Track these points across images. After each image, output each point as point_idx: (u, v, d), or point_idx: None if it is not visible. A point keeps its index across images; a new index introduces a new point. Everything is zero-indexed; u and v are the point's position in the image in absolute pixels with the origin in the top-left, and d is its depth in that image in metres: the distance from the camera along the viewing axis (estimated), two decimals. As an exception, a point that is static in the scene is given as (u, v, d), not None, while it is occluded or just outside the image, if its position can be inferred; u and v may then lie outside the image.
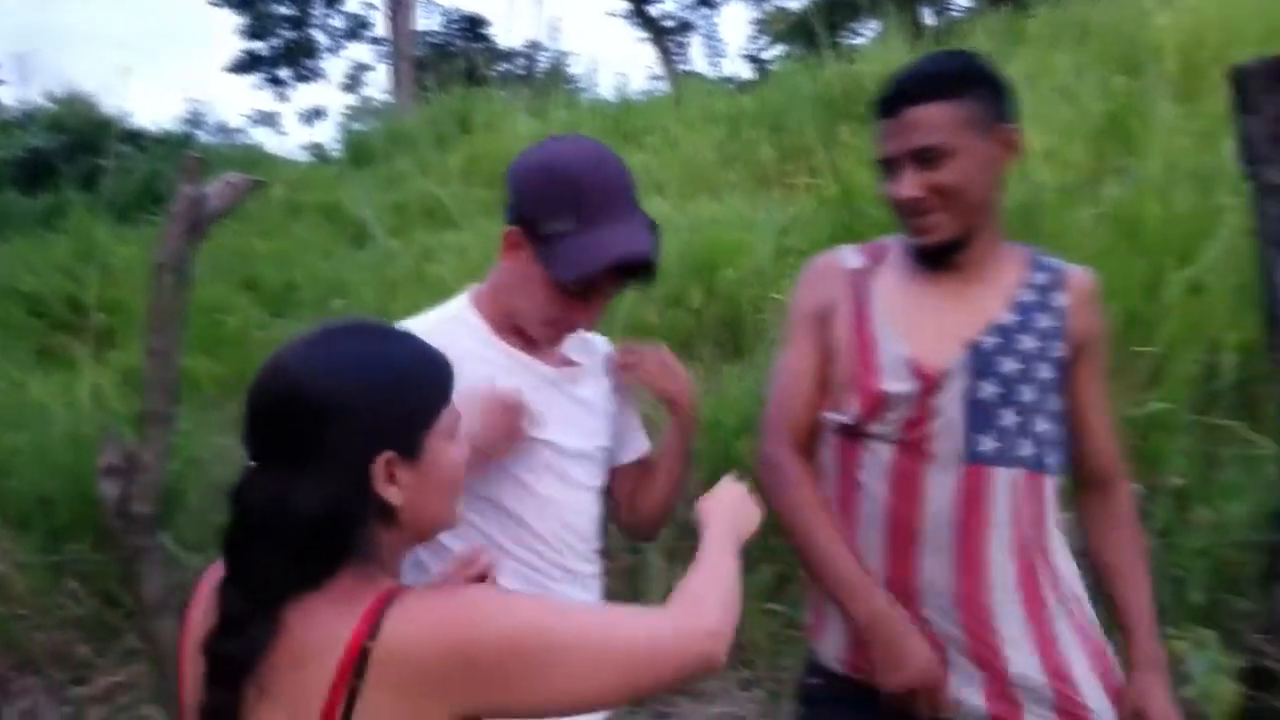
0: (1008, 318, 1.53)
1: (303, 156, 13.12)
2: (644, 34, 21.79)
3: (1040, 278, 1.57)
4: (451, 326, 1.50)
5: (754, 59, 19.57)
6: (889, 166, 1.52)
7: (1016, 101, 1.54)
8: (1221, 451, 3.02)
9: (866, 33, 14.69)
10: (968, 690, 1.50)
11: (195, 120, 18.14)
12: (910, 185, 1.48)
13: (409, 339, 1.08)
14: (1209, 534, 2.61)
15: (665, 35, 21.13)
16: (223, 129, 19.07)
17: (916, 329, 1.54)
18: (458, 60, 13.91)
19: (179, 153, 4.51)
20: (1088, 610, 1.58)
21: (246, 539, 1.00)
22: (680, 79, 14.45)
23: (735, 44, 43.60)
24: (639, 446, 1.71)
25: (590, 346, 1.67)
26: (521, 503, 1.51)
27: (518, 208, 1.45)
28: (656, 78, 17.77)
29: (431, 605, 0.98)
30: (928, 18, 13.94)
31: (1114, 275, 3.46)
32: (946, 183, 1.48)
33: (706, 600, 1.12)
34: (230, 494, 1.01)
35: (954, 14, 13.88)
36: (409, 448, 1.03)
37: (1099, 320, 1.60)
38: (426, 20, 20.82)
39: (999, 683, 1.49)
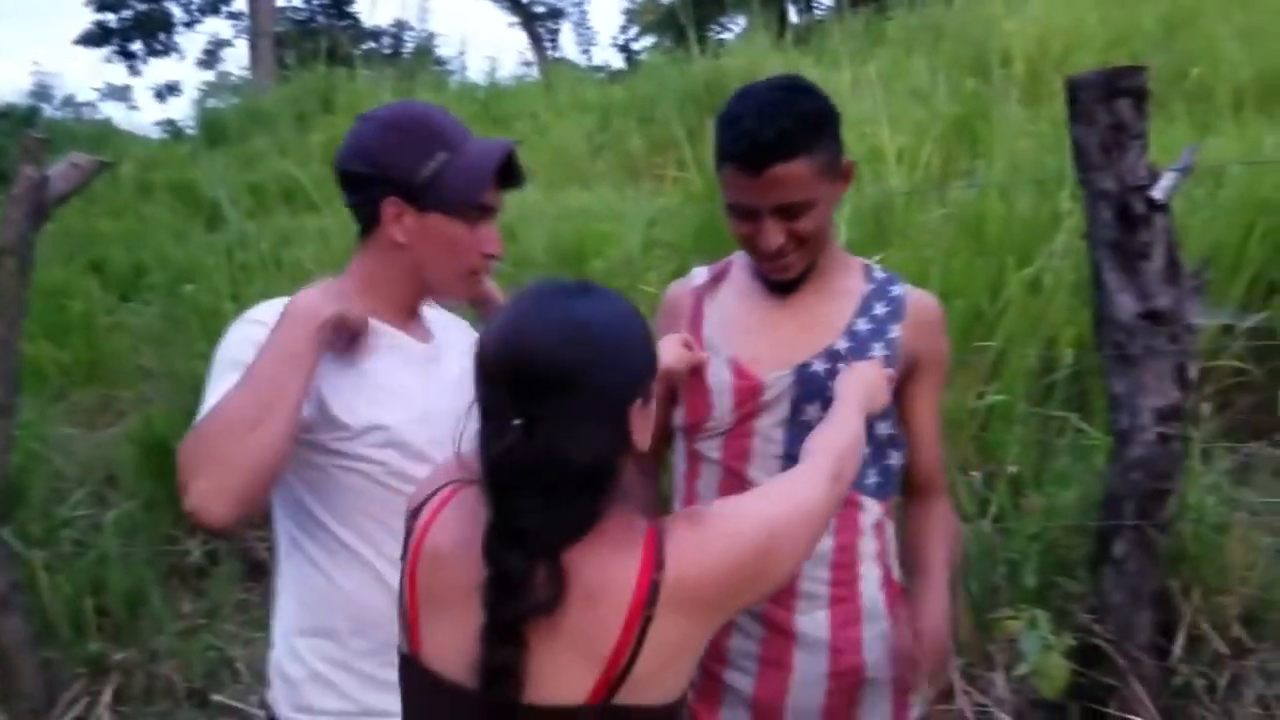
0: (841, 344, 1.57)
1: (156, 134, 12.60)
2: (514, 19, 21.63)
3: (879, 307, 1.60)
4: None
5: (624, 49, 19.64)
6: (743, 215, 1.51)
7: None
8: (1055, 441, 3.21)
9: (733, 27, 14.93)
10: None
11: (42, 93, 17.21)
12: (774, 236, 1.49)
13: (620, 297, 1.16)
14: (1042, 519, 2.77)
15: (535, 21, 21.00)
16: (70, 103, 18.16)
17: (748, 346, 1.59)
18: (320, 38, 13.51)
19: (23, 129, 4.29)
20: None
21: (520, 495, 1.04)
22: (551, 66, 14.38)
23: (606, 33, 43.59)
24: None
25: (456, 326, 1.68)
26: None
27: (382, 177, 1.45)
28: (527, 64, 17.66)
29: (698, 532, 1.09)
30: (792, 15, 14.23)
31: (959, 274, 3.64)
32: (805, 230, 1.50)
33: (837, 450, 1.29)
34: (493, 455, 1.05)
35: (817, 13, 14.20)
36: (647, 394, 1.12)
37: (938, 344, 1.64)
38: (287, -4, 20.18)
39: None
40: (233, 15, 20.50)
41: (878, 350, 1.57)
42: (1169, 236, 2.41)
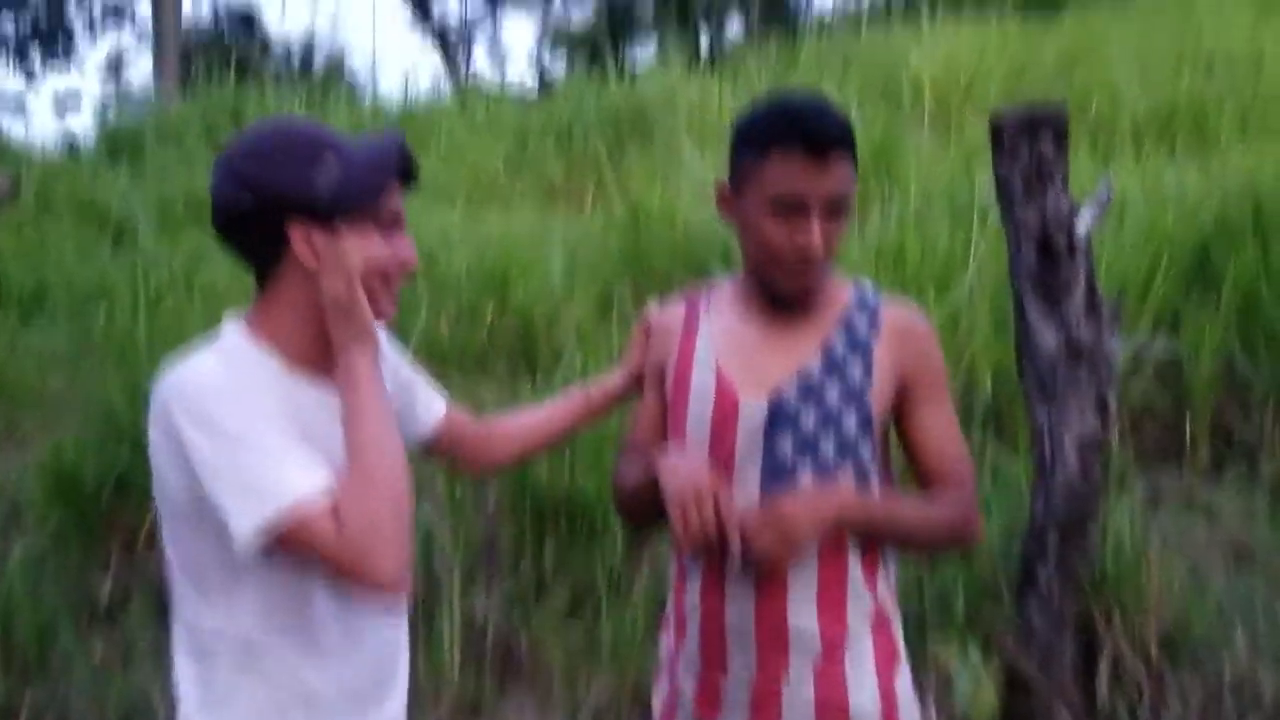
0: (816, 366, 1.53)
1: (54, 147, 12.14)
2: (428, 38, 21.47)
3: (859, 321, 1.56)
4: (239, 361, 1.31)
5: (539, 71, 19.63)
6: (787, 210, 1.46)
7: None
8: (979, 469, 3.28)
9: (646, 51, 15.07)
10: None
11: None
12: (819, 233, 1.46)
13: None
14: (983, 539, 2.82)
15: (449, 41, 20.87)
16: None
17: (732, 362, 1.57)
18: (227, 51, 13.24)
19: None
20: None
21: None
22: (465, 86, 14.31)
23: (520, 54, 43.57)
24: (437, 408, 1.68)
25: None
26: None
27: (275, 202, 1.28)
28: (441, 83, 17.53)
29: None
30: (705, 43, 14.41)
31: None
32: (838, 236, 1.50)
33: None
34: None
35: (729, 40, 14.41)
36: None
37: (925, 353, 1.58)
38: (194, 8, 19.72)
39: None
40: (136, 26, 19.92)
41: (855, 370, 1.54)
42: (1089, 270, 2.48)
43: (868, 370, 1.54)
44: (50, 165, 9.48)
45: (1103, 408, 2.51)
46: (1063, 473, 2.52)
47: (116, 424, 3.60)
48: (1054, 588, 2.57)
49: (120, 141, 10.10)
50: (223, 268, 5.07)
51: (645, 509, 1.58)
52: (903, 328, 1.58)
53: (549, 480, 3.31)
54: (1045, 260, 2.47)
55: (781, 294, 1.54)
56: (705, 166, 5.91)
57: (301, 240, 1.30)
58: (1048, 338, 2.49)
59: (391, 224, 1.35)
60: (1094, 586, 2.66)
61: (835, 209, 1.48)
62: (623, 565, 3.21)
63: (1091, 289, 2.49)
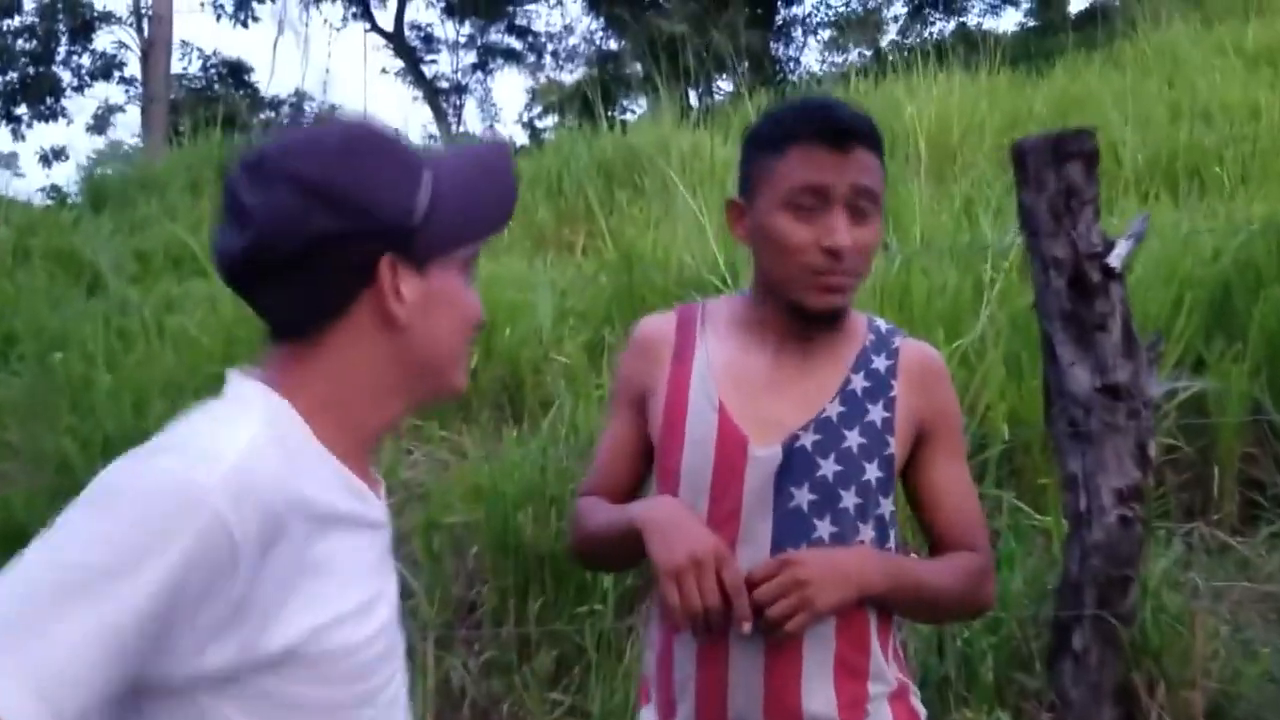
0: (834, 409, 1.34)
1: (40, 200, 12.04)
2: (418, 93, 21.52)
3: (878, 361, 1.38)
4: (289, 453, 0.90)
5: (529, 126, 19.66)
6: (808, 206, 1.28)
7: None
8: (994, 522, 3.06)
9: (635, 109, 15.11)
10: None
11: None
12: (846, 229, 1.28)
13: None
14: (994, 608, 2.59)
15: (440, 96, 20.91)
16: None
17: (737, 400, 1.35)
18: (216, 105, 13.16)
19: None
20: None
21: None
22: (456, 140, 14.25)
23: (510, 110, 44.05)
24: None
25: None
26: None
27: (369, 226, 0.91)
28: (431, 137, 17.49)
29: None
30: (694, 99, 14.41)
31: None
32: (869, 243, 1.30)
33: None
34: None
35: (717, 97, 14.42)
36: None
37: (942, 402, 1.41)
38: (183, 63, 19.73)
39: None
40: (125, 81, 19.91)
41: (876, 413, 1.34)
42: (1125, 306, 2.29)
43: (889, 416, 1.35)
44: (32, 215, 9.36)
45: (1142, 454, 2.30)
46: (1100, 526, 2.30)
47: (71, 476, 3.37)
48: (1091, 654, 2.33)
49: (103, 193, 10.01)
50: (195, 314, 4.87)
51: (615, 557, 1.41)
52: (923, 370, 1.39)
53: (534, 535, 3.08)
54: (1077, 295, 2.27)
55: (809, 312, 1.32)
56: (699, 210, 5.76)
57: (393, 293, 0.93)
58: (1082, 379, 2.28)
59: (469, 270, 1.02)
60: (1134, 651, 2.42)
61: (862, 206, 1.29)
62: (614, 627, 2.97)
63: (1128, 326, 2.29)
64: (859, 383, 1.35)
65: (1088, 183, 2.27)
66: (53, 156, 19.91)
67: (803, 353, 1.36)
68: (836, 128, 1.28)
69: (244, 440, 0.86)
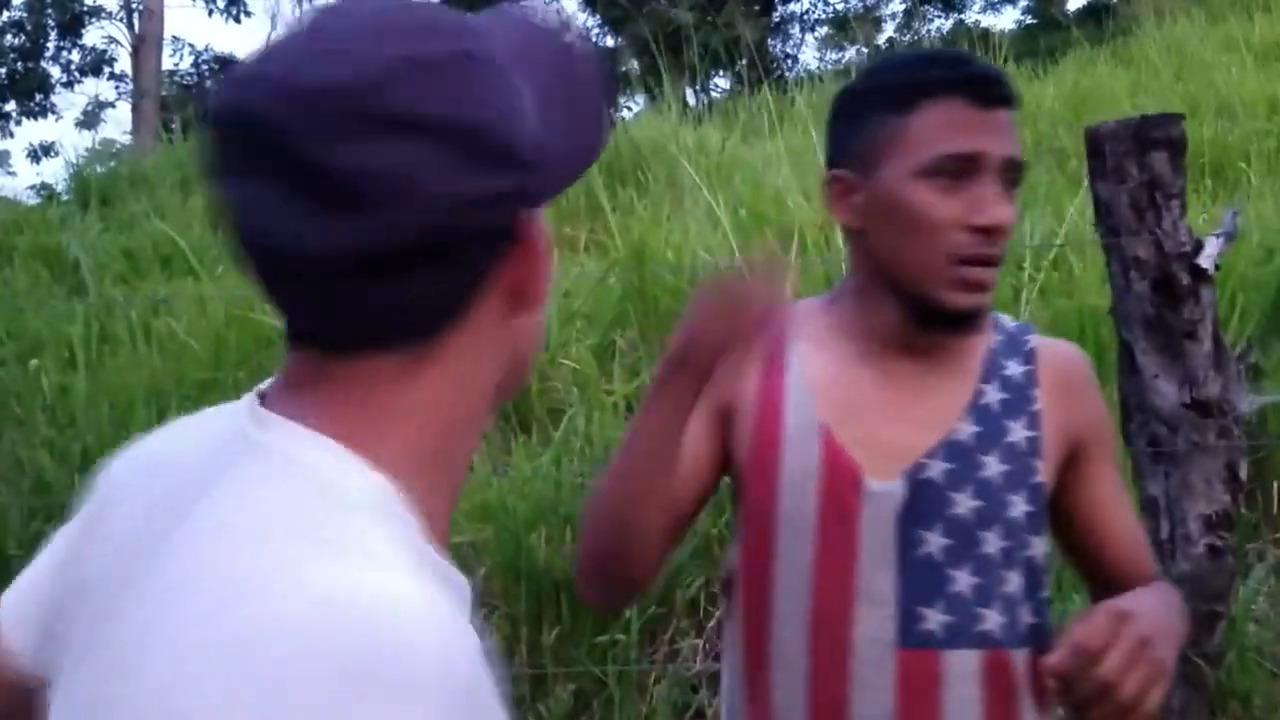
0: (965, 430, 1.09)
1: (28, 197, 11.79)
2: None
3: (1013, 367, 1.13)
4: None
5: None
6: (955, 175, 1.04)
7: None
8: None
9: (632, 105, 14.93)
10: None
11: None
12: (1003, 200, 1.05)
13: None
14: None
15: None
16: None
17: (844, 421, 1.09)
18: (209, 101, 12.94)
19: None
20: None
21: None
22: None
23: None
24: None
25: None
26: None
27: (513, 183, 0.59)
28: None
29: None
30: (690, 97, 14.21)
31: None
32: (1012, 221, 1.07)
33: None
34: None
35: (715, 94, 14.23)
36: None
37: (1096, 408, 1.17)
38: (174, 59, 19.49)
39: None
40: (115, 77, 19.66)
41: (1018, 432, 1.09)
42: (1215, 312, 2.06)
43: (1035, 435, 1.09)
44: (19, 213, 9.13)
45: (1233, 477, 2.07)
46: (1187, 557, 2.07)
47: (47, 492, 3.13)
48: (1174, 699, 2.10)
49: (91, 190, 9.80)
50: (184, 316, 4.62)
51: (639, 497, 1.06)
52: (1067, 374, 1.14)
53: (548, 560, 2.84)
54: (1164, 299, 2.04)
55: (949, 312, 1.06)
56: (716, 204, 5.53)
57: (534, 248, 0.63)
58: (1168, 393, 2.05)
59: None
60: (1220, 693, 2.19)
61: (1014, 179, 1.06)
62: (637, 658, 2.74)
63: (1217, 335, 2.07)
64: (993, 395, 1.11)
65: (1174, 174, 2.04)
66: (41, 152, 19.68)
67: (920, 361, 1.11)
68: (986, 83, 1.05)
69: (421, 611, 0.52)
